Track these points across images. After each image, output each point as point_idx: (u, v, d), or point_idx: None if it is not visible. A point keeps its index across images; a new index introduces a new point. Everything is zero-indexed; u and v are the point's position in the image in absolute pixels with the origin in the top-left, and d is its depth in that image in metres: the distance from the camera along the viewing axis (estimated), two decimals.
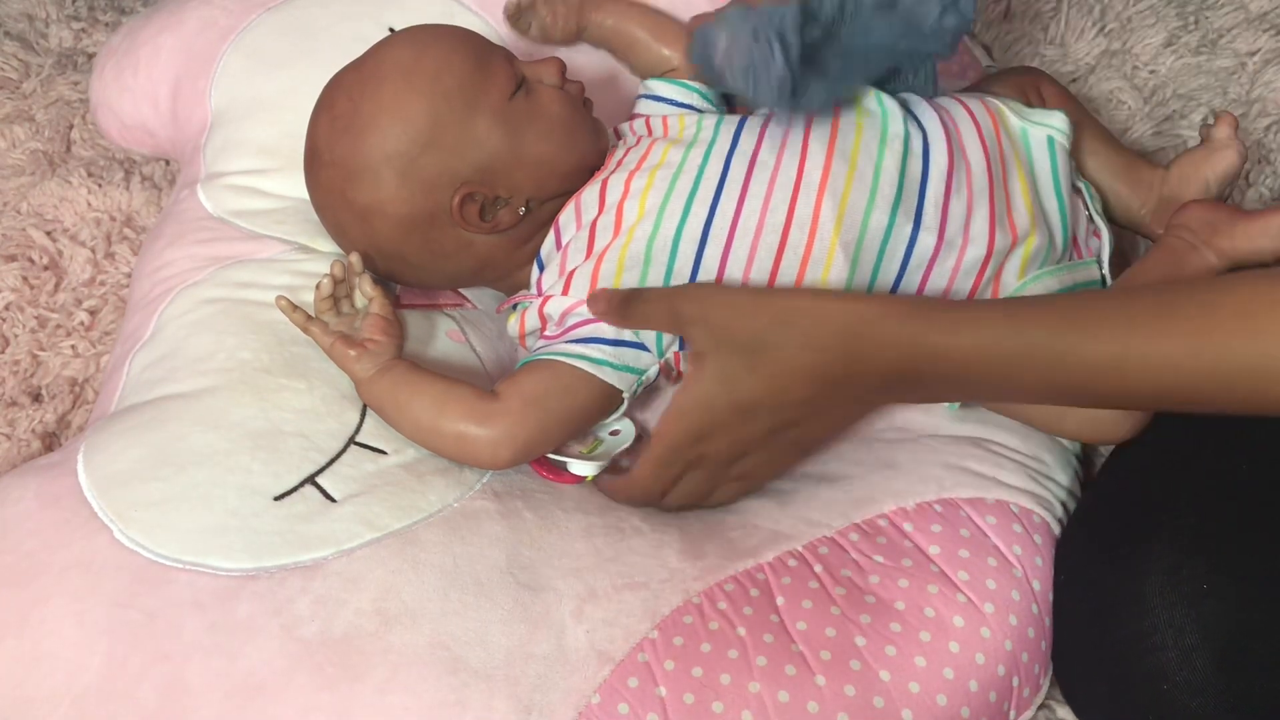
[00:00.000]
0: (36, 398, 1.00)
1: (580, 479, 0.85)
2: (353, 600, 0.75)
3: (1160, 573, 0.74)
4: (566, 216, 0.88)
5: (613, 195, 0.87)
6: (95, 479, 0.80)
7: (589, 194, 0.88)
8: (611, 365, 0.83)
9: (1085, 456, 0.95)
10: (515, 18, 0.98)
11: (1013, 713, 0.81)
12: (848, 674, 0.75)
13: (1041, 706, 0.84)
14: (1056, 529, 0.85)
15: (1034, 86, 0.99)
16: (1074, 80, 1.21)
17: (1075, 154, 0.95)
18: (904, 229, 0.86)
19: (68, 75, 1.17)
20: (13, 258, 1.05)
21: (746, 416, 0.79)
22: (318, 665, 0.73)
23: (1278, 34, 1.21)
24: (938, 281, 0.87)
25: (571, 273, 0.86)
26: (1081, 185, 0.95)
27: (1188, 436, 0.82)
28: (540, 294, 0.87)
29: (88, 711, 0.73)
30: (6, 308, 1.03)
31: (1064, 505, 0.87)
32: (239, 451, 0.81)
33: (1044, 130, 0.92)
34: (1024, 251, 0.88)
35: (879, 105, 0.89)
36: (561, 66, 0.89)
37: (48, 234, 1.07)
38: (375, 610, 0.75)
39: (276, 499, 0.79)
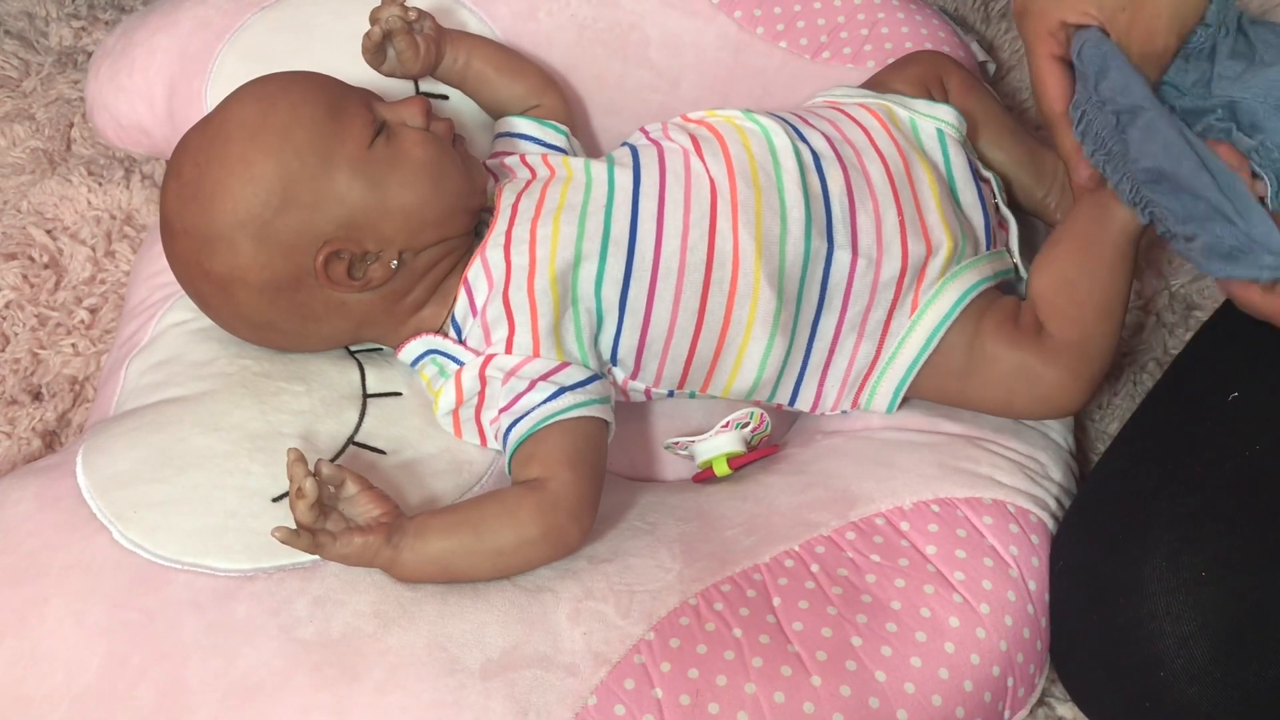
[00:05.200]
0: (37, 396, 1.01)
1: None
2: (351, 601, 0.76)
3: (1159, 560, 0.74)
4: (475, 273, 0.84)
5: (521, 246, 0.84)
6: (94, 480, 0.80)
7: (494, 252, 0.84)
8: (597, 401, 0.82)
9: (1080, 453, 0.96)
10: (374, 49, 0.90)
11: (1007, 712, 0.81)
12: (844, 675, 0.76)
13: (1041, 704, 0.84)
14: (1053, 528, 0.85)
15: (936, 79, 0.98)
16: None
17: (978, 145, 0.96)
18: (820, 249, 0.85)
19: (68, 74, 1.17)
20: (13, 256, 1.05)
21: None
22: (315, 665, 0.73)
23: None
24: (859, 298, 0.87)
25: (511, 330, 0.83)
26: (989, 175, 0.95)
27: (1186, 424, 0.83)
28: (478, 355, 0.83)
29: (87, 711, 0.73)
30: (7, 306, 1.03)
31: (1060, 504, 0.87)
32: (238, 453, 0.81)
33: (932, 123, 0.92)
34: (943, 255, 0.88)
35: (753, 122, 0.89)
36: (426, 105, 0.84)
37: (48, 232, 1.07)
38: (373, 611, 0.75)
39: (275, 500, 0.79)
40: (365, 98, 0.84)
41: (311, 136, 0.80)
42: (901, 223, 0.87)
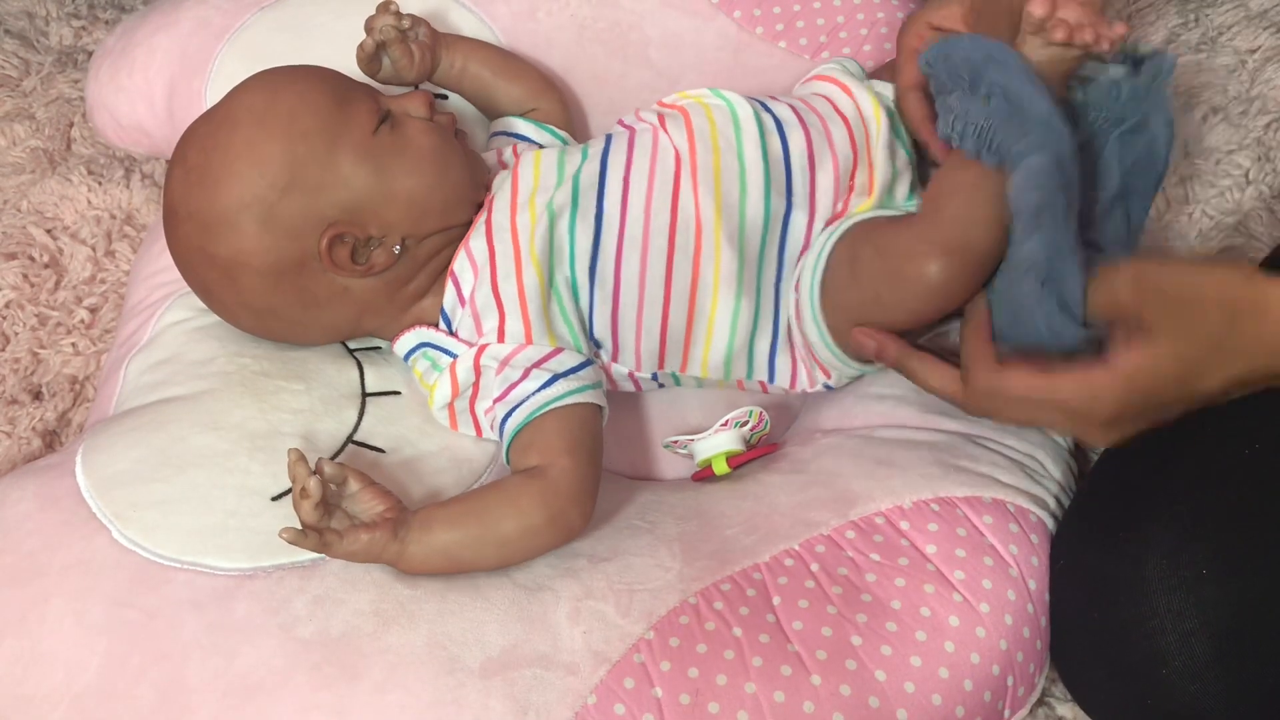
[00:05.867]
0: (37, 395, 1.01)
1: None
2: (350, 600, 0.76)
3: (1159, 557, 0.74)
4: (461, 265, 0.85)
5: (503, 234, 0.85)
6: (94, 480, 0.80)
7: (477, 241, 0.85)
8: (591, 387, 0.83)
9: (1080, 452, 0.96)
10: (369, 58, 0.91)
11: (1008, 712, 0.81)
12: (843, 674, 0.76)
13: (1041, 704, 0.84)
14: (1052, 527, 0.85)
15: None
16: None
17: None
18: (779, 209, 0.86)
19: (68, 73, 1.18)
20: (13, 255, 1.05)
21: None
22: (315, 664, 0.73)
23: (1278, 31, 1.21)
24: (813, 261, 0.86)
25: (501, 318, 0.83)
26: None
27: (1186, 423, 0.83)
28: (470, 345, 0.84)
29: (87, 710, 0.73)
30: (7, 305, 1.03)
31: (1060, 503, 0.87)
32: (238, 452, 0.81)
33: (885, 98, 0.92)
34: (873, 201, 0.88)
35: (719, 98, 0.90)
36: (429, 99, 0.85)
37: (48, 232, 1.07)
38: (373, 610, 0.75)
39: (275, 499, 0.79)
40: (370, 89, 0.86)
41: (317, 122, 0.81)
42: (852, 182, 0.88)
